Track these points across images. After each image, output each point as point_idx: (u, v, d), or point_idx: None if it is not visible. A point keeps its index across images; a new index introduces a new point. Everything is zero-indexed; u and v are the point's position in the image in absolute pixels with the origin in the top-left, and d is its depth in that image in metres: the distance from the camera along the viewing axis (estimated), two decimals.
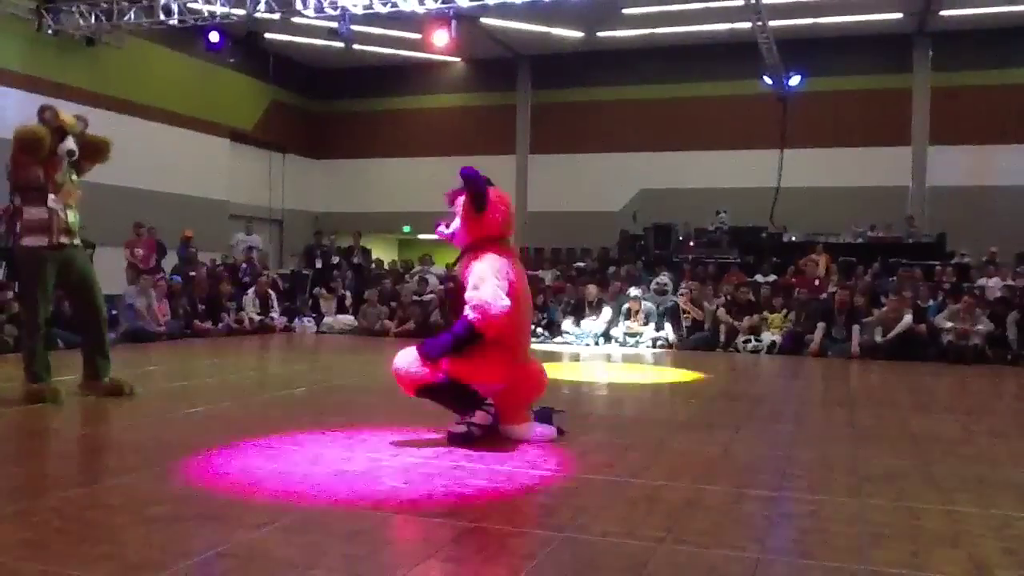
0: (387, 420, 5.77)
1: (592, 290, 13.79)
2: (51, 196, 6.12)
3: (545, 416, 5.25)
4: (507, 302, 4.81)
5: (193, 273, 14.69)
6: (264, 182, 21.64)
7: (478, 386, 4.93)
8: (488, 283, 4.85)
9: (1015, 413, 7.74)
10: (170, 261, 15.68)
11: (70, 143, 6.13)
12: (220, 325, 13.42)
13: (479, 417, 4.94)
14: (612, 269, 16.40)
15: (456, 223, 5.12)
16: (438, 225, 5.23)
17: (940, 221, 17.78)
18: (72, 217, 6.26)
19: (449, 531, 3.28)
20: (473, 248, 5.05)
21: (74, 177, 6.33)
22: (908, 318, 11.71)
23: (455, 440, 4.88)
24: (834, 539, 3.29)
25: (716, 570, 2.90)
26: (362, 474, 4.15)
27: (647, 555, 3.02)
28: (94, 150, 6.41)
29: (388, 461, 4.48)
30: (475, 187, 4.99)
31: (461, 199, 5.05)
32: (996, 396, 8.76)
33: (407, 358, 4.97)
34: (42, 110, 6.19)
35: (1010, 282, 13.68)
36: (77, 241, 6.37)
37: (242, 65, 20.18)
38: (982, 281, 14.13)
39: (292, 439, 4.99)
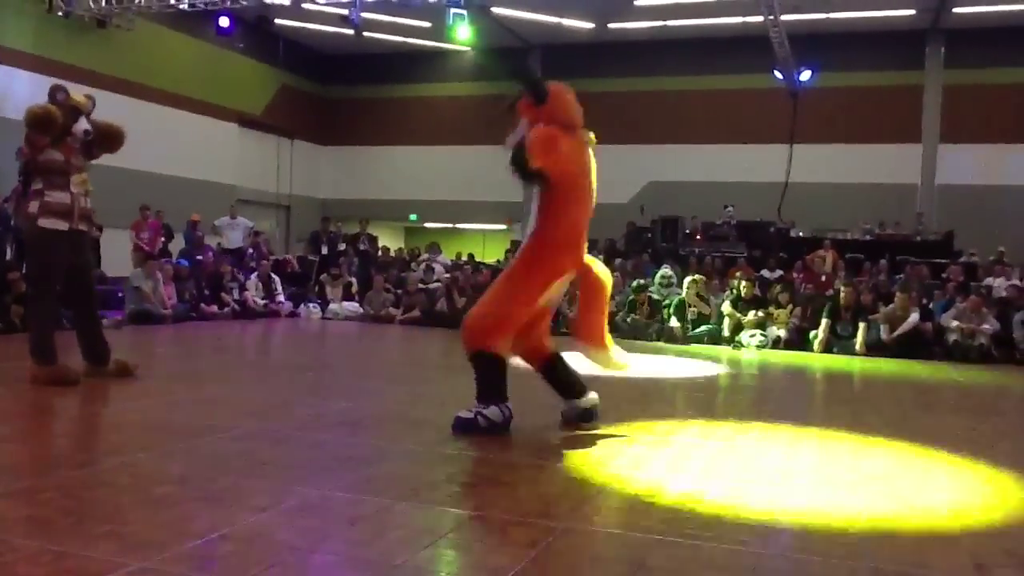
0: (390, 406, 5.78)
1: None
2: (72, 179, 6.09)
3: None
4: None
5: (200, 257, 14.71)
6: (272, 167, 21.66)
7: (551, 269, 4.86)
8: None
9: (1020, 413, 7.73)
10: (177, 245, 15.71)
11: (84, 123, 6.10)
12: (225, 308, 13.43)
13: (492, 412, 4.84)
14: (618, 261, 16.38)
15: (521, 126, 4.98)
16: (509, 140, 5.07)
17: (949, 220, 17.73)
18: (88, 203, 6.26)
19: (451, 519, 3.29)
20: None
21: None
22: (915, 316, 11.68)
23: (459, 425, 4.82)
24: (835, 535, 3.29)
25: (715, 564, 2.91)
26: (364, 460, 4.16)
27: (646, 548, 3.02)
28: (108, 137, 6.36)
29: (391, 447, 4.49)
30: (527, 79, 4.88)
31: (525, 103, 4.95)
32: (1001, 396, 8.74)
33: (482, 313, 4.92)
34: (54, 91, 6.14)
35: (1017, 282, 13.62)
36: (90, 227, 6.37)
37: (252, 50, 20.21)
38: (989, 280, 14.08)
39: (295, 423, 5.00)
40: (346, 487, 3.64)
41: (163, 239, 14.94)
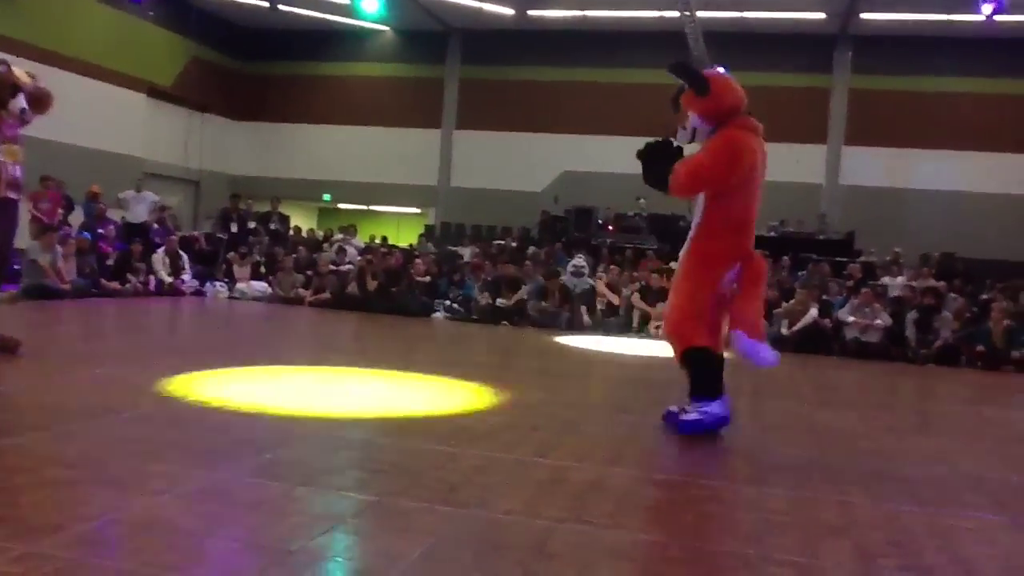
0: (296, 391, 5.71)
1: (510, 269, 13.87)
2: (1, 149, 5.99)
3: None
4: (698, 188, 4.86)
5: (102, 231, 14.25)
6: (181, 141, 21.08)
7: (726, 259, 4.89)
8: (702, 160, 4.83)
9: (910, 409, 8.06)
10: (78, 218, 15.16)
11: (21, 101, 6.02)
12: (127, 285, 13.06)
13: (713, 407, 4.84)
14: (532, 249, 16.47)
15: (692, 118, 4.99)
16: (678, 134, 5.11)
17: (850, 219, 18.31)
18: (18, 171, 6.15)
19: (352, 504, 3.27)
20: (718, 130, 4.94)
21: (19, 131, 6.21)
22: (813, 311, 12.05)
23: (686, 428, 4.84)
24: (732, 525, 3.38)
25: (615, 552, 2.96)
26: (267, 444, 4.10)
27: (548, 534, 3.06)
28: (38, 101, 6.26)
29: (295, 431, 4.44)
30: (687, 73, 4.94)
31: (688, 96, 4.97)
32: (894, 392, 9.09)
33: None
34: None
35: (912, 282, 14.16)
36: (19, 196, 6.28)
37: (163, 19, 19.64)
38: (886, 279, 14.60)
39: (197, 407, 4.91)
40: (247, 471, 3.59)
41: (63, 211, 14.40)
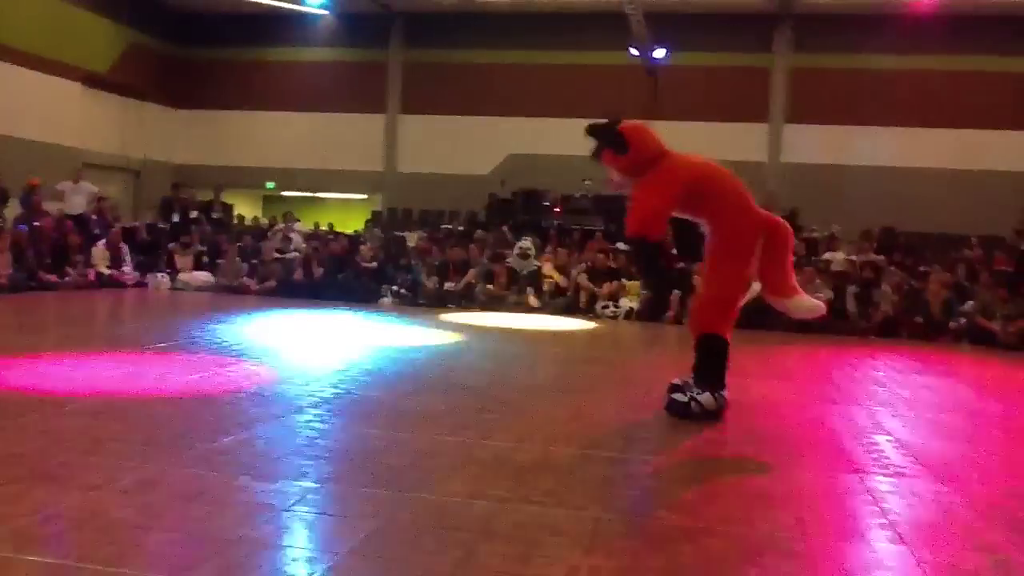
0: (240, 378, 5.66)
1: (458, 252, 13.85)
2: None
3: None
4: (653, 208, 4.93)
5: (38, 223, 13.94)
6: (120, 130, 20.64)
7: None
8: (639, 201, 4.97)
9: (847, 381, 8.21)
10: (14, 211, 14.81)
11: None
12: (67, 278, 12.78)
13: (706, 399, 4.91)
14: (479, 233, 16.45)
15: (617, 176, 5.15)
16: (609, 184, 5.42)
17: (793, 196, 18.55)
18: None
19: (294, 492, 3.26)
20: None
21: None
22: (756, 287, 12.16)
23: (674, 409, 4.93)
24: (670, 498, 3.44)
25: (557, 528, 2.99)
26: (207, 435, 4.07)
27: (491, 515, 3.08)
28: None
29: (237, 419, 4.41)
30: (604, 135, 5.03)
31: (608, 155, 5.07)
32: (833, 364, 9.25)
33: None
34: None
35: (852, 257, 14.41)
36: None
37: (97, 4, 19.16)
38: (828, 255, 14.84)
39: (137, 399, 4.85)
40: (186, 463, 3.56)
41: None
